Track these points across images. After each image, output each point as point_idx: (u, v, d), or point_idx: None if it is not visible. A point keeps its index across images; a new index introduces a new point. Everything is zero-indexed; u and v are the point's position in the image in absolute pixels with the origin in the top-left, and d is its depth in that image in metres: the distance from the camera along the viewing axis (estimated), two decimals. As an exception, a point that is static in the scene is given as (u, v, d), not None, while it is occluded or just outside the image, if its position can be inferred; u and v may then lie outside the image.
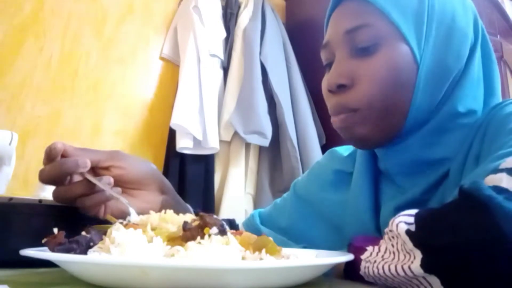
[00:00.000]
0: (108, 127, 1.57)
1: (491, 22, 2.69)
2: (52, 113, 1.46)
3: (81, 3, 1.59)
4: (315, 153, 1.63)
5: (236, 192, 1.62)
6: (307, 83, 1.80)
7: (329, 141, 1.71)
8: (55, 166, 0.47)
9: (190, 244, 0.33)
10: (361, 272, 0.37)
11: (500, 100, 0.49)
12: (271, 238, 0.37)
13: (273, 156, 1.72)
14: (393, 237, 0.33)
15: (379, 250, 0.35)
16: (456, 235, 0.27)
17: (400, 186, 0.50)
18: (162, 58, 1.77)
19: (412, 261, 0.31)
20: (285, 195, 0.70)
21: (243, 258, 0.34)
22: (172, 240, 0.36)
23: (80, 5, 1.59)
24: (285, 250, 0.39)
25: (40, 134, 1.41)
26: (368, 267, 0.36)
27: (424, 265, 0.29)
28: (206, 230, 0.35)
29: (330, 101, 0.50)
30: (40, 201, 0.47)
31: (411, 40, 0.45)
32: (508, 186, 0.29)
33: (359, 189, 0.54)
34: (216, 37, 1.76)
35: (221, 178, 1.67)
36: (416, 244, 0.30)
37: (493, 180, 0.30)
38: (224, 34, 1.80)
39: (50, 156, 0.47)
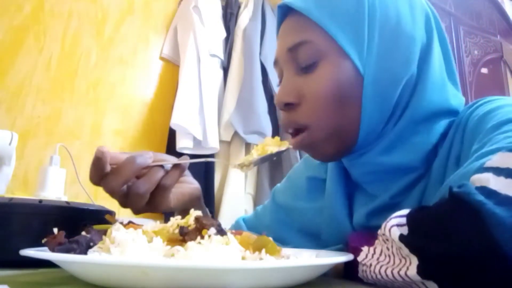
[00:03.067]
0: (108, 127, 1.57)
1: (491, 22, 2.69)
2: (52, 113, 1.46)
3: (81, 3, 1.59)
4: (315, 153, 1.63)
5: (236, 192, 1.62)
6: (307, 83, 1.80)
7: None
8: (128, 165, 0.46)
9: (190, 244, 0.33)
10: (360, 275, 0.37)
11: (462, 97, 0.49)
12: (271, 238, 0.37)
13: (273, 156, 1.72)
14: (387, 240, 0.33)
15: (374, 252, 0.35)
16: (451, 243, 0.27)
17: (371, 193, 0.50)
18: (162, 58, 1.77)
19: (408, 266, 0.31)
20: (266, 202, 0.70)
21: (243, 258, 0.34)
22: (172, 240, 0.36)
23: (80, 5, 1.59)
24: (285, 250, 0.39)
25: (40, 134, 1.41)
26: (365, 271, 0.36)
27: (421, 271, 0.29)
28: (204, 231, 0.35)
29: (282, 118, 0.50)
30: (40, 201, 0.47)
31: (351, 53, 0.44)
32: (496, 188, 0.28)
33: (334, 197, 0.53)
34: (216, 37, 1.76)
35: (221, 178, 1.67)
36: (412, 250, 0.30)
37: (479, 180, 0.30)
38: (224, 34, 1.80)
39: (101, 163, 0.46)
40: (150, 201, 0.49)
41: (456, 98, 0.48)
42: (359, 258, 0.36)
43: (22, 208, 0.46)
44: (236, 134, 1.65)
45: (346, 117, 0.45)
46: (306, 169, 0.63)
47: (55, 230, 0.37)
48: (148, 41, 1.75)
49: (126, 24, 1.69)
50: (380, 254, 0.34)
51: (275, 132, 1.68)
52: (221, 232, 0.35)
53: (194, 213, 0.39)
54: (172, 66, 1.77)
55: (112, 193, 0.47)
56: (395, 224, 0.32)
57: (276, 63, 0.51)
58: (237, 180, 1.64)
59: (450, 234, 0.28)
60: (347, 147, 0.47)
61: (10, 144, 0.72)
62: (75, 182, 1.23)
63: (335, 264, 0.37)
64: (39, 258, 0.32)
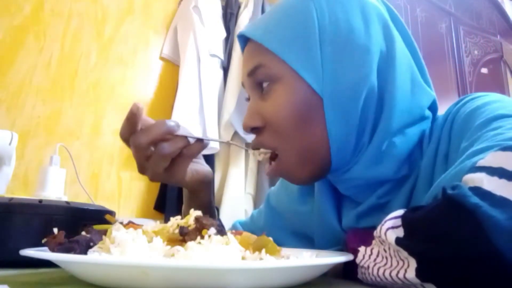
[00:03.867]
0: (108, 127, 1.57)
1: (491, 22, 2.69)
2: (52, 113, 1.46)
3: (81, 3, 1.59)
4: (315, 153, 1.63)
5: (236, 192, 1.62)
6: (307, 83, 1.80)
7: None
8: (159, 126, 0.47)
9: (190, 244, 0.33)
10: (359, 277, 0.37)
11: (432, 93, 0.48)
12: (271, 238, 0.37)
13: (273, 156, 1.72)
14: (383, 241, 0.33)
15: (371, 253, 0.35)
16: (449, 246, 0.27)
17: (359, 202, 0.49)
18: (162, 58, 1.77)
19: (406, 269, 0.31)
20: (261, 206, 0.69)
21: (243, 258, 0.34)
22: (172, 240, 0.36)
23: (80, 5, 1.59)
24: (285, 250, 0.39)
25: (40, 134, 1.41)
26: (364, 273, 0.36)
27: (420, 274, 0.29)
28: (204, 231, 0.35)
29: (252, 141, 0.50)
30: (40, 201, 0.47)
31: (305, 75, 0.44)
32: (490, 189, 0.28)
33: (322, 202, 0.53)
34: (216, 37, 1.76)
35: (221, 178, 1.67)
36: (411, 253, 0.30)
37: (472, 180, 0.29)
38: (224, 34, 1.80)
39: (135, 118, 0.47)
40: (168, 168, 0.50)
41: (426, 96, 0.47)
42: (357, 260, 0.36)
43: (22, 208, 0.46)
44: (236, 134, 1.65)
45: (313, 137, 0.45)
46: None
47: (55, 230, 0.37)
48: (148, 41, 1.75)
49: (126, 24, 1.69)
50: (377, 256, 0.35)
51: (275, 132, 1.68)
52: (221, 232, 0.35)
53: (194, 213, 0.39)
54: (172, 66, 1.77)
55: (137, 149, 0.47)
56: (390, 226, 0.32)
57: (243, 86, 0.52)
58: (237, 180, 1.64)
59: (447, 237, 0.28)
60: (321, 169, 0.46)
61: (10, 144, 0.72)
62: (75, 182, 1.23)
63: (335, 264, 0.37)
64: (39, 258, 0.32)
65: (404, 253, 0.31)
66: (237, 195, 1.62)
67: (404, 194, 0.45)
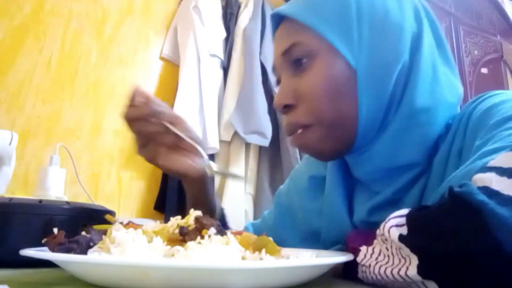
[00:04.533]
0: (108, 127, 1.57)
1: (491, 22, 2.69)
2: (52, 113, 1.46)
3: (81, 3, 1.59)
4: (315, 153, 1.62)
5: (236, 192, 1.62)
6: (307, 83, 1.80)
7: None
8: (146, 107, 0.53)
9: (190, 244, 0.33)
10: (359, 276, 0.37)
11: (460, 86, 0.49)
12: (271, 238, 0.37)
13: (273, 156, 1.72)
14: (386, 240, 0.33)
15: (373, 252, 0.35)
16: (452, 243, 0.27)
17: (373, 190, 0.50)
18: (162, 58, 1.77)
19: (407, 266, 0.30)
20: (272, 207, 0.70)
21: (243, 258, 0.34)
22: (172, 240, 0.36)
23: (80, 5, 1.59)
24: (285, 250, 0.39)
25: (40, 134, 1.41)
26: (365, 271, 0.36)
27: (421, 271, 0.29)
28: (204, 231, 0.35)
29: (284, 122, 0.51)
30: (40, 201, 0.47)
31: (342, 49, 0.45)
32: (499, 188, 0.28)
33: (333, 194, 0.54)
34: (216, 37, 1.76)
35: (221, 178, 1.68)
36: (413, 250, 0.30)
37: (482, 179, 0.29)
38: (224, 34, 1.80)
39: (134, 98, 0.53)
40: (161, 156, 0.56)
41: (451, 87, 0.48)
42: (358, 259, 0.36)
43: (22, 208, 0.46)
44: (236, 134, 1.65)
45: (344, 112, 0.46)
46: (307, 169, 0.63)
47: (55, 230, 0.37)
48: (148, 41, 1.75)
49: (126, 24, 1.69)
50: (379, 254, 0.34)
51: (275, 132, 1.68)
52: (221, 232, 0.35)
53: (194, 213, 0.39)
54: (172, 66, 1.77)
55: (128, 124, 0.53)
56: (394, 224, 0.32)
57: (273, 69, 0.53)
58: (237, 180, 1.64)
59: (451, 233, 0.27)
60: (345, 144, 0.48)
61: (10, 144, 0.72)
62: (75, 182, 1.23)
63: (335, 264, 0.37)
64: (39, 258, 0.32)
65: (406, 250, 0.30)
66: (237, 195, 1.62)
67: (417, 192, 0.45)
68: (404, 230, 0.31)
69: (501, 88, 2.62)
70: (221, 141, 1.65)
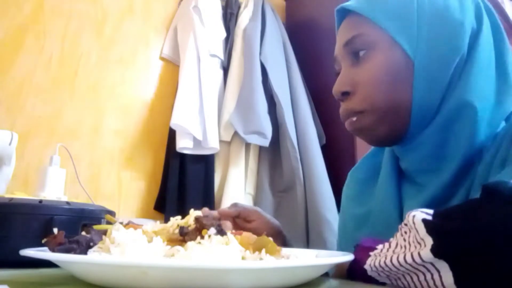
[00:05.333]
0: (108, 127, 1.57)
1: (491, 22, 2.69)
2: (52, 113, 1.46)
3: (81, 3, 1.59)
4: (315, 153, 1.62)
5: (236, 192, 1.62)
6: (307, 83, 1.80)
7: (329, 141, 1.70)
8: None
9: (190, 244, 0.33)
10: (366, 265, 0.37)
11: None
12: (270, 238, 0.37)
13: (273, 156, 1.72)
14: (405, 232, 0.34)
15: (390, 246, 0.36)
16: (471, 220, 0.28)
17: (421, 184, 0.51)
18: (162, 58, 1.77)
19: (422, 248, 0.31)
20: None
21: (243, 258, 0.34)
22: (172, 240, 0.36)
23: (80, 5, 1.59)
24: (285, 250, 0.39)
25: (40, 134, 1.41)
26: (374, 260, 0.36)
27: (434, 249, 0.30)
28: (204, 231, 0.35)
29: (341, 109, 0.54)
30: (40, 201, 0.47)
31: (400, 40, 0.48)
32: None
33: (384, 190, 0.55)
34: (216, 37, 1.76)
35: (221, 178, 1.67)
36: (429, 231, 0.30)
37: None
38: (224, 34, 1.80)
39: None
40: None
41: (504, 94, 0.48)
42: (373, 252, 0.37)
43: (22, 208, 0.46)
44: (236, 134, 1.65)
45: (398, 100, 0.49)
46: (353, 177, 0.66)
47: (55, 230, 0.37)
48: (148, 41, 1.74)
49: (126, 24, 1.69)
50: (396, 247, 0.35)
51: (275, 132, 1.68)
52: (221, 232, 0.35)
53: (194, 213, 0.39)
54: (172, 66, 1.77)
55: None
56: (421, 211, 0.33)
57: (335, 60, 0.57)
58: (237, 180, 1.64)
59: (470, 212, 0.28)
60: (399, 130, 0.50)
61: (10, 144, 0.72)
62: (75, 182, 1.23)
63: (335, 264, 0.37)
64: (39, 258, 0.32)
65: (422, 232, 0.31)
66: (237, 195, 1.62)
67: (464, 191, 0.46)
68: (429, 217, 0.32)
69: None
70: (221, 141, 1.65)
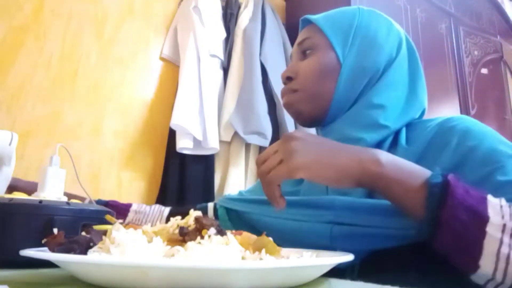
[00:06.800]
0: (108, 127, 1.57)
1: (491, 23, 2.70)
2: (52, 113, 1.46)
3: (81, 3, 1.59)
4: (315, 153, 1.62)
5: (236, 192, 1.61)
6: (307, 83, 1.80)
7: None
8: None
9: (190, 244, 0.33)
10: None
11: (423, 103, 0.65)
12: (270, 238, 0.37)
13: (273, 156, 1.72)
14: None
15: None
16: None
17: None
18: (162, 59, 1.77)
19: None
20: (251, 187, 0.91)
21: (243, 258, 0.34)
22: (172, 240, 0.36)
23: (80, 5, 1.59)
24: (285, 250, 0.39)
25: (40, 134, 1.41)
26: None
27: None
28: (204, 232, 0.35)
29: (282, 88, 0.69)
30: (40, 201, 0.47)
31: (337, 48, 0.64)
32: None
33: None
34: (216, 37, 1.76)
35: (221, 178, 1.67)
36: None
37: None
38: (224, 34, 1.80)
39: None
40: None
41: (411, 106, 0.63)
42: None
43: (22, 208, 0.46)
44: (236, 134, 1.65)
45: (323, 89, 0.64)
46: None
47: (55, 230, 0.37)
48: (148, 41, 1.75)
49: (126, 24, 1.69)
50: None
51: (275, 132, 1.68)
52: (221, 232, 0.35)
53: (194, 213, 0.39)
54: (172, 66, 1.77)
55: None
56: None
57: (291, 56, 0.72)
58: (237, 180, 1.64)
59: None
60: (319, 112, 0.65)
61: (10, 144, 0.72)
62: (75, 182, 1.23)
63: (335, 265, 0.37)
64: (39, 258, 0.32)
65: None
66: (237, 195, 1.61)
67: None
68: None
69: (501, 89, 2.63)
70: (221, 142, 1.65)
